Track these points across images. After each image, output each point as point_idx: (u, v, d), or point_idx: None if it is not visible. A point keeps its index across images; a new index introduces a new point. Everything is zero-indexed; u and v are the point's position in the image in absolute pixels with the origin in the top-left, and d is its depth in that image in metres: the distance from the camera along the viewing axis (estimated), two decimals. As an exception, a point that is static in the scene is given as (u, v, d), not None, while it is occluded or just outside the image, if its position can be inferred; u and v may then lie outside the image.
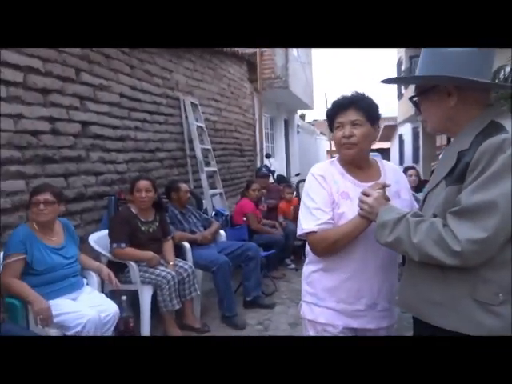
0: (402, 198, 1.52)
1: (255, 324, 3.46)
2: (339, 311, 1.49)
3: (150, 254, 3.10)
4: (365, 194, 1.36)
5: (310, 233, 1.46)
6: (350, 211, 1.43)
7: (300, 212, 1.53)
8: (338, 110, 1.48)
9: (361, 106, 1.45)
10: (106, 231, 3.20)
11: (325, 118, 1.61)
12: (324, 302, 1.51)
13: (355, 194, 1.43)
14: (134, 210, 3.23)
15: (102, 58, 3.58)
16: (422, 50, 1.25)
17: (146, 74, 4.33)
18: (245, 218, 4.60)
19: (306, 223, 1.46)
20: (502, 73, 7.12)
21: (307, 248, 1.58)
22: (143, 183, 3.20)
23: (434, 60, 1.19)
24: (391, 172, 1.57)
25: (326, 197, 1.46)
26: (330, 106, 1.55)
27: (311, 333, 1.56)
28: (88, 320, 2.20)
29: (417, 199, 1.65)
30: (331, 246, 1.43)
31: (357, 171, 1.52)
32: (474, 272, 1.08)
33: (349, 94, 1.51)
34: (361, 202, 1.35)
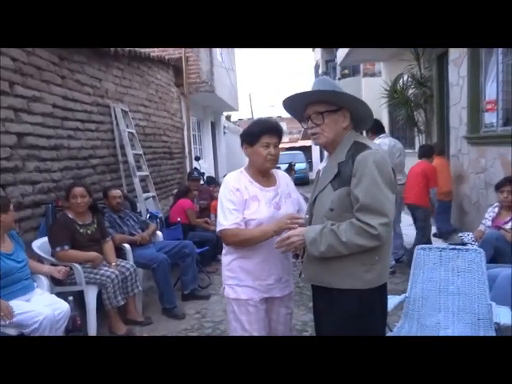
0: (292, 197, 2.01)
1: (193, 313, 3.83)
2: (256, 287, 1.90)
3: (93, 253, 3.32)
4: (286, 237, 1.62)
5: (225, 228, 1.85)
6: (258, 209, 1.86)
7: (219, 212, 1.89)
8: (266, 132, 1.87)
9: (280, 132, 1.93)
10: (46, 238, 3.35)
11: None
12: (244, 282, 1.90)
13: (262, 197, 1.89)
14: (70, 216, 3.41)
15: (34, 70, 3.68)
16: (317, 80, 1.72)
17: (77, 84, 4.45)
18: (179, 219, 4.92)
19: (226, 220, 1.84)
20: (401, 80, 8.15)
21: None
22: (78, 190, 3.40)
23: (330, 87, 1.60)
24: (283, 178, 2.02)
25: (240, 202, 1.86)
26: (257, 126, 1.93)
27: (235, 308, 1.93)
28: (44, 318, 2.42)
29: (305, 197, 2.10)
30: (240, 243, 1.85)
31: (261, 179, 1.94)
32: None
33: (272, 119, 2.00)
34: (288, 245, 1.62)
